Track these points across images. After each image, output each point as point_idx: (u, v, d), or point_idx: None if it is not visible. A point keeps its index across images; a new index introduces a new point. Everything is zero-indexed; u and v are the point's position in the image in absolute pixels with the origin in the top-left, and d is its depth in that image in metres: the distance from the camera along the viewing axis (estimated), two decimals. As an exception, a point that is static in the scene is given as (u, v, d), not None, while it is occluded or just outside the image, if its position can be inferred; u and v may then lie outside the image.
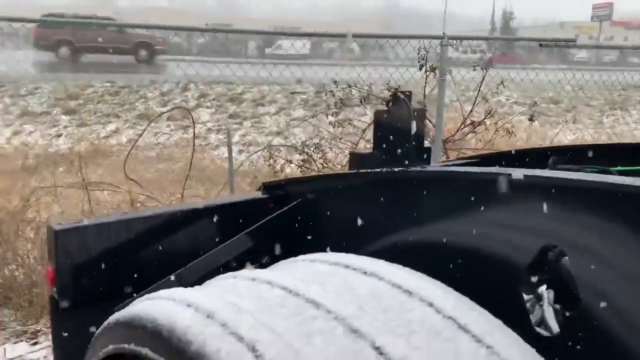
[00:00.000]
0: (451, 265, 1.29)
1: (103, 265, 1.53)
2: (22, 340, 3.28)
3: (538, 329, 1.18)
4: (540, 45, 4.38)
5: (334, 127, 4.96)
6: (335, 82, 4.97)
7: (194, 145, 3.72)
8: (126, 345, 1.11)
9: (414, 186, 1.48)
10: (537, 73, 7.35)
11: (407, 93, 2.40)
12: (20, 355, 3.09)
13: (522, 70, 7.77)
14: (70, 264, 1.50)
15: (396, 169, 1.56)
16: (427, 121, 4.32)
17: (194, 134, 4.36)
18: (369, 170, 1.61)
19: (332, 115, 5.00)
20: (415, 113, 2.41)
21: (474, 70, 4.80)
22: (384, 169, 1.56)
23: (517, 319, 1.16)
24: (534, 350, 1.10)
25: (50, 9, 23.70)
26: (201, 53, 20.86)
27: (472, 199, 1.30)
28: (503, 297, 1.20)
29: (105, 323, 1.22)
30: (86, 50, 20.02)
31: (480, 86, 4.69)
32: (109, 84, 14.45)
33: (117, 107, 13.06)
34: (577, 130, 10.16)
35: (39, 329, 3.35)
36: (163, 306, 1.09)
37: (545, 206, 1.16)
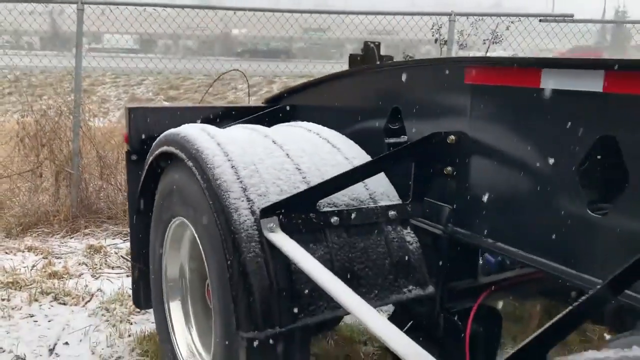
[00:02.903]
0: (345, 119, 2.20)
1: (157, 133, 2.56)
2: (117, 237, 4.48)
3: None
4: (540, 20, 4.96)
5: None
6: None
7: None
8: (166, 147, 2.10)
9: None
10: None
11: (376, 43, 3.30)
12: (115, 244, 4.29)
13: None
14: (137, 130, 2.55)
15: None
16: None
17: (248, 95, 5.44)
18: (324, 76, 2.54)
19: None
20: (384, 59, 3.33)
21: (484, 43, 5.46)
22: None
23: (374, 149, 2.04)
24: (369, 157, 1.97)
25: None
26: (297, 56, 22.72)
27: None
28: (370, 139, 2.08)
29: (158, 139, 2.22)
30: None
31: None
32: (205, 77, 16.12)
33: (210, 96, 14.63)
34: None
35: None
36: (190, 128, 2.07)
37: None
